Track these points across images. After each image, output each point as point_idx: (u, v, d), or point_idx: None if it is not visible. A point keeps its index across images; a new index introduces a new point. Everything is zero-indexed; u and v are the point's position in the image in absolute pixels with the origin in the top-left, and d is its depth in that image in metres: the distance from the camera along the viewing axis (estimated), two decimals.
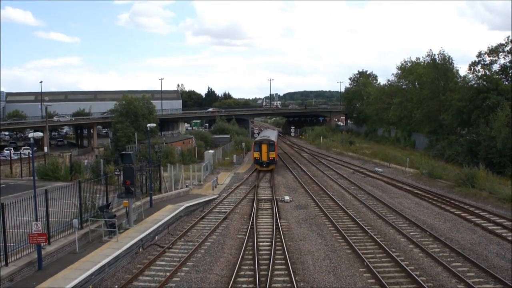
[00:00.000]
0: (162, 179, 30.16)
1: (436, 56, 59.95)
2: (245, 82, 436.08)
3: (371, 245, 19.61)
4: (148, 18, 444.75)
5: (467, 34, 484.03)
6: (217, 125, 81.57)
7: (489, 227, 22.03)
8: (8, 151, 54.17)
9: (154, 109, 68.94)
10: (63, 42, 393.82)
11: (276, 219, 23.72)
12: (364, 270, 16.45)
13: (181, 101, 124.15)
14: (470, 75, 52.24)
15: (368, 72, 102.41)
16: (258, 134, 78.09)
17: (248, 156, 56.83)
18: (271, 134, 53.80)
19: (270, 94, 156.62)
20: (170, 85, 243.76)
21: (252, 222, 23.24)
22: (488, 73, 49.19)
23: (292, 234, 21.56)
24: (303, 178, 39.96)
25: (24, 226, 16.16)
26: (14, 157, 46.26)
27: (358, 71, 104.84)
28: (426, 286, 14.64)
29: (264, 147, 43.74)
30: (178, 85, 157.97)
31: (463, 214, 24.94)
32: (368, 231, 21.37)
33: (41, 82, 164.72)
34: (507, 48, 48.36)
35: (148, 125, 30.21)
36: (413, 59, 71.27)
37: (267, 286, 14.90)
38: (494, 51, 48.91)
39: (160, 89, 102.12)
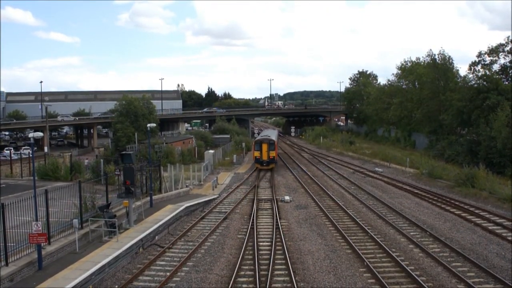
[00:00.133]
0: (162, 179, 30.16)
1: (436, 56, 60.03)
2: (245, 82, 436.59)
3: (371, 245, 19.61)
4: (148, 18, 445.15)
5: (467, 34, 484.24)
6: (217, 125, 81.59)
7: (489, 227, 22.03)
8: (8, 151, 54.13)
9: (154, 109, 68.93)
10: (63, 42, 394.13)
11: (276, 219, 23.73)
12: (364, 270, 16.45)
13: (181, 101, 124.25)
14: (470, 75, 52.36)
15: (368, 72, 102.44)
16: (258, 134, 78.15)
17: (248, 156, 56.86)
18: (272, 134, 54.09)
19: (270, 94, 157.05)
20: (170, 85, 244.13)
21: (252, 222, 23.24)
22: (488, 73, 49.19)
23: (292, 234, 21.56)
24: (303, 178, 39.97)
25: (24, 226, 16.16)
26: (14, 157, 46.24)
27: (358, 71, 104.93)
28: (426, 286, 14.64)
29: (265, 146, 44.29)
30: (178, 85, 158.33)
31: (463, 214, 24.94)
32: (368, 231, 21.37)
33: (41, 82, 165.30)
34: (507, 48, 48.40)
35: (148, 125, 30.22)
36: (413, 59, 71.35)
37: (267, 286, 14.90)
38: (494, 51, 48.91)
39: (160, 89, 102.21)
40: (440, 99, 55.52)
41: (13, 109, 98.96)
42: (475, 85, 49.59)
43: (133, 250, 18.48)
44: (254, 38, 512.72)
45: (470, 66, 51.12)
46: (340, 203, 28.07)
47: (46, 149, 48.16)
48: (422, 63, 65.89)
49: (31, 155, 21.35)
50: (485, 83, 48.03)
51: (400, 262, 16.83)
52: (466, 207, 26.59)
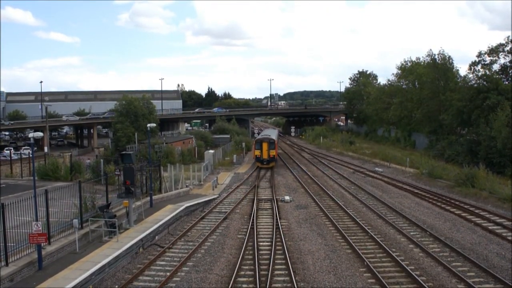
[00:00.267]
0: (162, 179, 30.16)
1: (436, 56, 59.99)
2: (245, 82, 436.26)
3: (371, 245, 19.61)
4: (148, 18, 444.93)
5: (467, 34, 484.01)
6: (217, 125, 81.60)
7: (489, 227, 22.03)
8: (8, 151, 54.14)
9: (154, 109, 68.90)
10: (63, 42, 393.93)
11: (276, 219, 23.73)
12: (364, 270, 16.46)
13: (181, 101, 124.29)
14: (470, 75, 52.31)
15: (368, 72, 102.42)
16: (258, 134, 78.45)
17: (248, 156, 56.91)
18: (272, 133, 54.62)
19: (270, 94, 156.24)
20: (170, 85, 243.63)
21: (252, 222, 23.24)
22: (488, 73, 49.17)
23: (292, 234, 21.57)
24: (303, 178, 39.98)
25: (24, 226, 16.15)
26: (14, 157, 46.23)
27: (358, 71, 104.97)
28: (426, 286, 14.63)
29: (265, 145, 45.10)
30: (178, 85, 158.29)
31: (463, 214, 24.94)
32: (368, 231, 21.37)
33: (41, 82, 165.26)
34: (507, 48, 48.38)
35: (148, 125, 30.22)
36: (413, 59, 71.26)
37: (267, 286, 14.90)
38: (494, 51, 48.91)
39: (160, 89, 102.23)
40: (440, 99, 55.51)
41: (13, 109, 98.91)
42: (475, 85, 49.57)
43: (133, 250, 18.49)
44: (254, 38, 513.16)
45: (470, 66, 51.18)
46: (340, 203, 28.08)
47: (46, 149, 48.16)
48: (422, 63, 65.84)
49: (31, 155, 21.35)
50: (485, 83, 48.04)
51: (400, 262, 16.84)
52: (466, 207, 26.59)
